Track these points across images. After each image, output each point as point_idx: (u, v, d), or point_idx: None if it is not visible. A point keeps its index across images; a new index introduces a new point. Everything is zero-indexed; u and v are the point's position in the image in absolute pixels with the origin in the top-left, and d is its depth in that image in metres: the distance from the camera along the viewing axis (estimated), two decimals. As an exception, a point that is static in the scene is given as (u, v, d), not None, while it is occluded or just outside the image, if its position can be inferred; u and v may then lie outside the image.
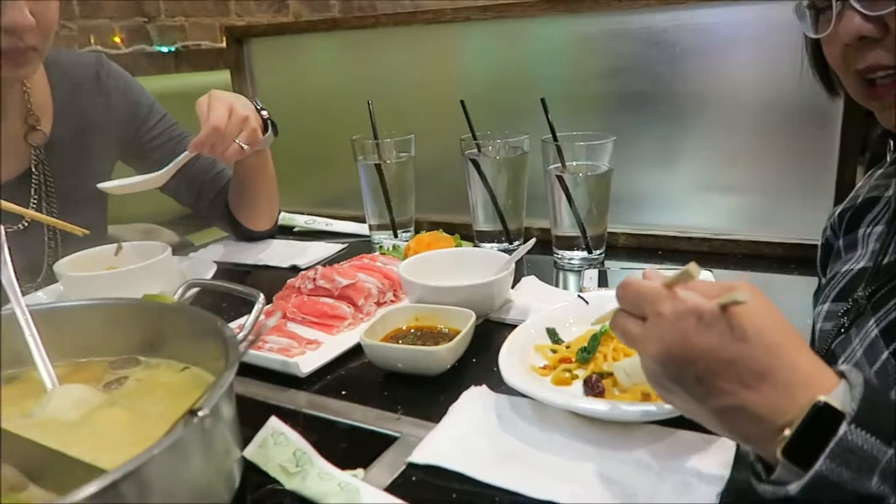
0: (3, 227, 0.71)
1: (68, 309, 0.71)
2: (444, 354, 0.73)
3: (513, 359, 0.71)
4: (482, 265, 0.93)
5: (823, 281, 0.80)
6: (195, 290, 0.76)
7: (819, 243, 0.84)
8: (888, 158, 0.80)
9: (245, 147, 1.04)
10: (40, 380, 0.65)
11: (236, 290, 0.71)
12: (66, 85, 1.14)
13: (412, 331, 0.80)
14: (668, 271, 0.52)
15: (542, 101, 1.08)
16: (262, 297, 0.69)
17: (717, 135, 1.12)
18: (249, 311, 0.66)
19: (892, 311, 0.62)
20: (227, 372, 0.53)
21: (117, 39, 1.91)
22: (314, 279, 0.92)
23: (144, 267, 0.92)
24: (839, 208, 0.81)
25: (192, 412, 0.48)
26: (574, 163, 1.07)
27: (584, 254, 1.09)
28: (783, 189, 1.09)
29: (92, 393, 0.62)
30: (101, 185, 1.03)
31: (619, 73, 1.15)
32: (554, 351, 0.75)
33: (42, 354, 0.66)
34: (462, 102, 1.14)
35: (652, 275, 0.51)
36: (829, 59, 0.66)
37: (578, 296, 0.83)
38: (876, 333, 0.63)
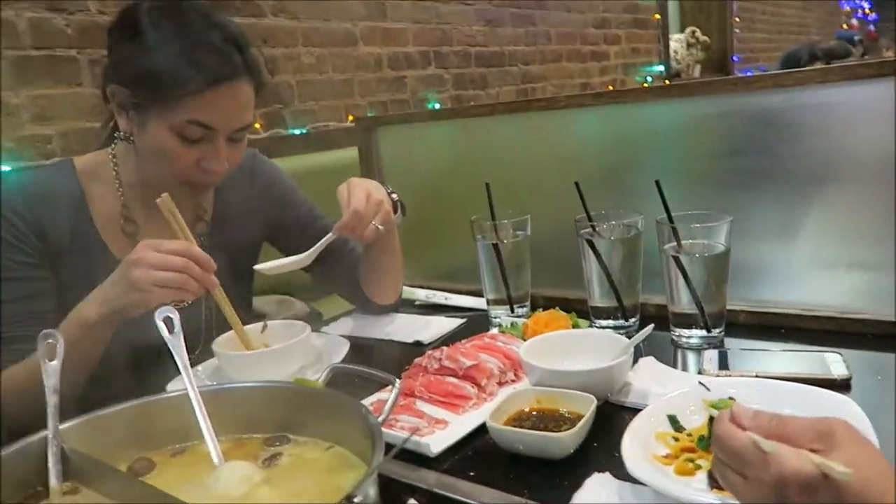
0: (176, 313, 0.82)
1: (231, 390, 0.80)
2: (567, 440, 0.76)
3: (635, 447, 0.73)
4: (601, 347, 0.96)
5: None
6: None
7: None
8: None
9: (380, 227, 1.14)
10: (207, 454, 0.74)
11: (375, 375, 0.78)
12: (226, 178, 1.29)
13: (534, 413, 0.84)
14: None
15: (657, 182, 1.11)
16: (398, 382, 0.76)
17: (839, 211, 1.10)
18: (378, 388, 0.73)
19: None
20: (375, 460, 0.59)
21: (257, 126, 2.12)
22: (440, 359, 0.98)
23: (289, 346, 1.02)
24: None
25: (348, 498, 0.54)
26: (690, 241, 1.09)
27: (703, 332, 1.09)
28: (916, 266, 1.06)
29: (253, 470, 0.70)
30: (257, 267, 1.16)
31: (735, 152, 1.17)
32: (676, 439, 0.77)
33: (210, 431, 0.75)
34: (576, 184, 1.19)
35: (741, 415, 0.51)
36: None
37: (699, 382, 0.84)
38: None
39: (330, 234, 1.15)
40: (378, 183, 1.19)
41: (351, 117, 2.40)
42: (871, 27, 8.85)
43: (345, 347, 1.13)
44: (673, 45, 4.64)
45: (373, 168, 1.57)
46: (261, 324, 1.13)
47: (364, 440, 0.67)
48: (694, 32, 4.80)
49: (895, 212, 1.05)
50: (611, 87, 3.92)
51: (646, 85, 4.21)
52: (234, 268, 1.24)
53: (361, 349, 1.22)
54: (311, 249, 1.16)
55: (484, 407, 0.91)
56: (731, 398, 0.77)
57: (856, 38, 5.61)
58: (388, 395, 0.75)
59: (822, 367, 0.93)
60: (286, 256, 1.22)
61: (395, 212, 1.23)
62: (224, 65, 1.04)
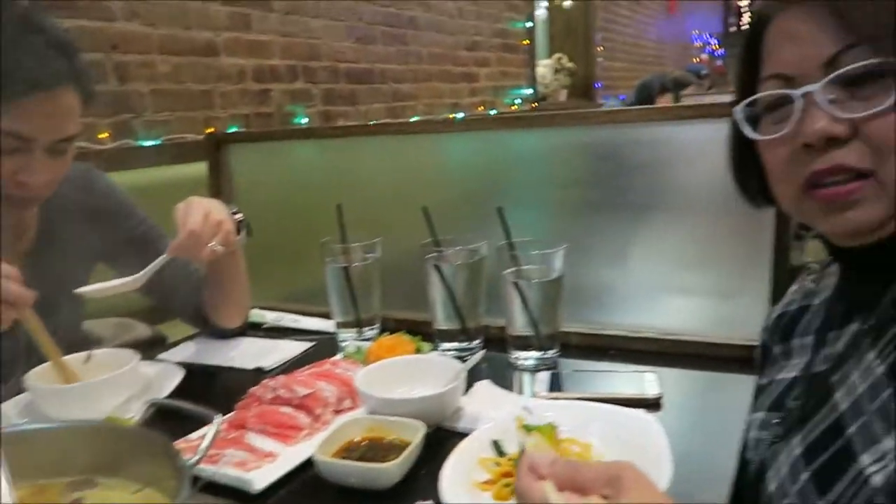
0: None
1: (34, 432, 0.74)
2: (392, 470, 0.77)
3: (456, 474, 0.75)
4: (437, 372, 0.98)
5: (763, 383, 0.82)
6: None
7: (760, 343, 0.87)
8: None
9: (220, 249, 1.10)
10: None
11: (193, 411, 0.75)
12: (55, 193, 1.20)
13: (364, 443, 0.84)
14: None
15: (499, 210, 1.15)
16: (218, 419, 0.73)
17: (667, 240, 1.19)
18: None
19: (816, 428, 0.64)
20: (179, 501, 0.57)
21: (104, 135, 1.99)
22: (275, 389, 0.96)
23: (111, 379, 0.96)
24: (776, 311, 0.83)
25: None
26: (528, 266, 1.14)
27: (538, 354, 1.14)
28: (728, 291, 1.16)
29: (48, 519, 0.65)
30: (78, 290, 1.09)
31: (576, 183, 1.24)
32: (498, 464, 0.79)
33: (7, 478, 0.69)
34: (425, 209, 1.21)
35: (538, 465, 0.54)
36: (771, 162, 0.65)
37: (523, 406, 0.87)
38: (799, 452, 0.65)
39: (164, 256, 1.10)
40: (219, 202, 1.15)
41: (211, 129, 2.32)
42: (720, 62, 9.70)
43: (178, 376, 1.08)
44: (541, 70, 4.86)
45: (223, 185, 1.52)
46: (85, 353, 1.06)
47: (173, 481, 0.64)
48: (560, 59, 5.05)
49: (711, 241, 1.16)
50: (481, 108, 4.04)
51: (514, 107, 4.38)
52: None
53: (198, 377, 1.17)
54: (143, 272, 1.10)
55: (317, 437, 0.90)
56: (549, 424, 0.81)
57: (703, 71, 6.12)
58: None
59: (639, 387, 0.99)
60: (121, 278, 1.15)
61: (239, 232, 1.19)
62: (43, 72, 0.97)
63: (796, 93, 0.59)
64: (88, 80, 1.05)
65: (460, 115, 3.78)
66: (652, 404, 0.96)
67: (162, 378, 1.08)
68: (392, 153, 1.39)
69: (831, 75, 0.57)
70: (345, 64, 2.94)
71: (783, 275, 1.10)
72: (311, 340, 1.32)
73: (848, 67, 0.57)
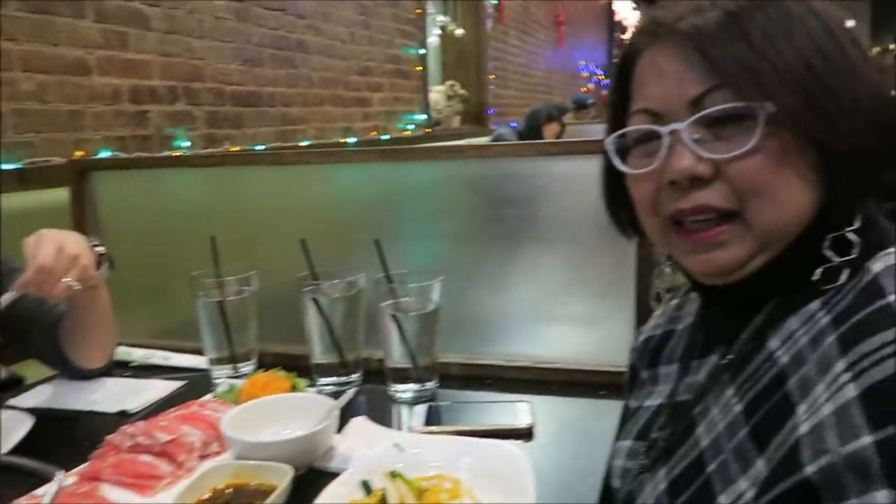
0: None
1: None
2: (253, 519, 0.74)
3: (321, 519, 0.73)
4: (310, 411, 0.95)
5: (631, 405, 0.82)
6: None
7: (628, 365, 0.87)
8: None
9: (75, 285, 1.03)
10: None
11: (32, 468, 0.70)
12: None
13: (228, 491, 0.81)
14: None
15: (376, 242, 1.15)
16: (59, 475, 0.68)
17: (540, 270, 1.23)
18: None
19: (680, 463, 0.63)
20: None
21: (-45, 158, 1.83)
22: (134, 436, 0.90)
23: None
24: (643, 334, 0.83)
25: None
26: (406, 299, 1.14)
27: (416, 386, 1.14)
28: (594, 319, 1.21)
29: None
30: None
31: (453, 214, 1.26)
32: (367, 505, 0.78)
33: None
34: (302, 242, 1.19)
35: None
36: (638, 195, 0.65)
37: (394, 444, 0.87)
38: (664, 487, 0.64)
39: (11, 293, 1.02)
40: (77, 235, 1.09)
41: (81, 152, 2.19)
42: (605, 92, 10.21)
43: (26, 425, 0.99)
44: (434, 96, 4.93)
45: (85, 215, 1.43)
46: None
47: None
48: (453, 86, 5.15)
49: (579, 271, 1.21)
50: (374, 133, 4.04)
51: (407, 132, 4.41)
52: None
53: (53, 424, 1.08)
54: None
55: (180, 486, 0.85)
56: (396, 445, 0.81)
57: (589, 101, 6.43)
58: (71, 480, 0.67)
59: (512, 417, 1.01)
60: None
61: (100, 266, 1.12)
62: None
63: (663, 130, 0.59)
64: None
65: (352, 139, 3.77)
66: (525, 434, 0.98)
67: (9, 428, 0.99)
68: (269, 183, 1.36)
69: (696, 116, 0.58)
70: (231, 86, 2.86)
71: (647, 301, 1.16)
72: (182, 379, 1.26)
73: (711, 109, 0.57)
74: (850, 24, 0.62)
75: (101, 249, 1.14)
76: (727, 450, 0.58)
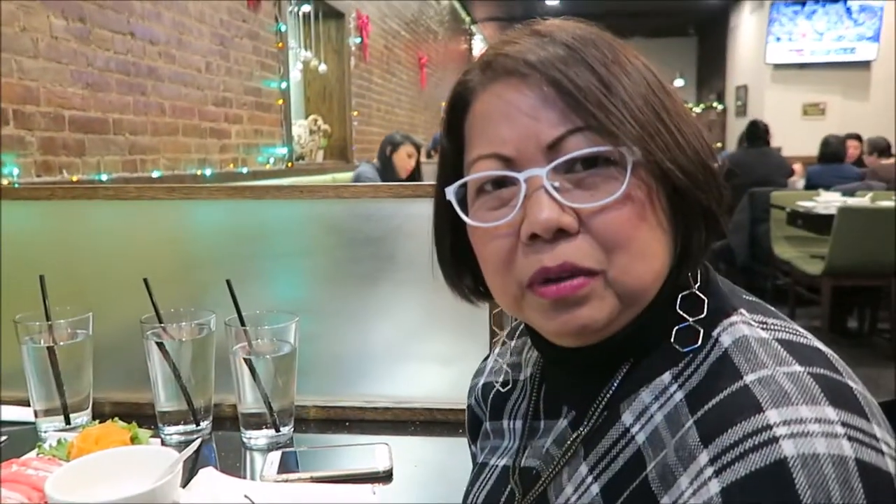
0: None
1: None
2: (80, 591, 0.67)
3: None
4: (152, 465, 0.88)
5: (475, 454, 0.77)
6: None
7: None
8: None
9: None
10: None
11: None
12: None
13: (51, 561, 0.73)
14: None
15: (228, 282, 1.10)
16: None
17: (394, 310, 1.23)
18: None
19: None
20: None
21: None
22: (-64, 504, 0.79)
23: None
24: (482, 378, 0.78)
25: None
26: (259, 340, 1.10)
27: (272, 432, 1.09)
28: (451, 357, 1.23)
29: None
30: None
31: (304, 253, 1.23)
32: (212, 565, 0.73)
33: None
34: (145, 280, 1.12)
35: None
36: (488, 254, 0.56)
37: (245, 495, 0.83)
38: None
39: None
40: None
41: None
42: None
43: None
44: (297, 130, 4.86)
45: None
46: None
47: None
48: (316, 121, 5.11)
49: (436, 310, 1.22)
50: (232, 165, 3.91)
51: (268, 166, 4.31)
52: None
53: None
54: None
55: (-8, 558, 0.75)
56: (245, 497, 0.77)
57: None
58: None
59: (371, 461, 1.00)
60: None
61: None
62: None
63: (521, 175, 0.52)
64: None
65: (209, 171, 3.62)
66: (384, 478, 0.97)
67: None
68: (107, 218, 1.26)
69: (558, 160, 0.52)
70: (70, 111, 2.65)
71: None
72: (3, 434, 1.12)
73: (578, 153, 0.51)
74: (679, 83, 0.65)
75: None
76: None
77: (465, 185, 0.58)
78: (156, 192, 1.19)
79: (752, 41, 10.10)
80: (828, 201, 4.54)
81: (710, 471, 0.46)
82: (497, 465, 0.69)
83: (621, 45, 0.56)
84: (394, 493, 0.94)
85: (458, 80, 0.60)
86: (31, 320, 1.11)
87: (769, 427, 0.45)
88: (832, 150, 5.50)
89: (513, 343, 0.75)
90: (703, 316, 0.55)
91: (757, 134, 5.54)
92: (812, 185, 5.35)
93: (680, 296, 0.56)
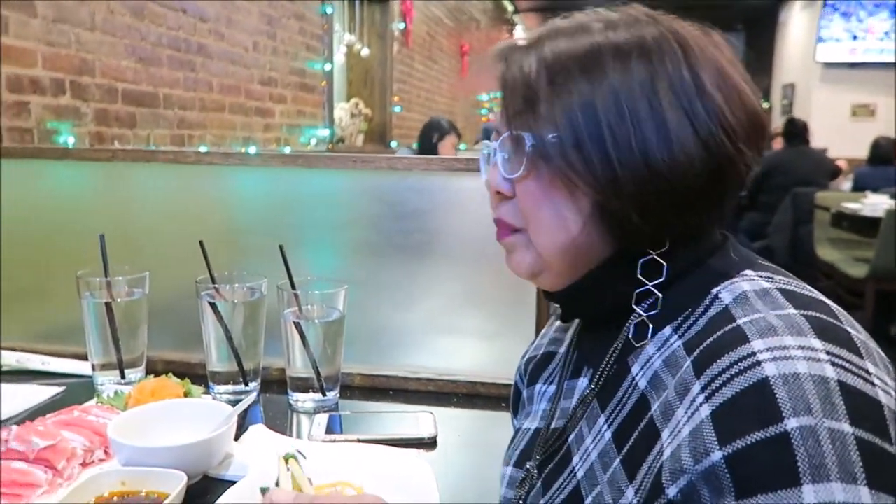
0: None
1: None
2: (143, 528, 0.70)
3: (218, 527, 0.70)
4: (204, 418, 0.91)
5: (515, 425, 0.82)
6: None
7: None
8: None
9: None
10: None
11: None
12: None
13: (114, 498, 0.76)
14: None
15: (280, 248, 1.12)
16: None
17: (441, 283, 1.25)
18: None
19: (559, 494, 0.63)
20: None
21: None
22: (6, 440, 0.83)
23: None
24: (527, 354, 0.84)
25: None
26: (309, 306, 1.12)
27: (318, 396, 1.11)
28: (496, 332, 1.24)
29: None
30: None
31: (356, 224, 1.25)
32: (265, 512, 0.75)
33: None
34: (201, 243, 1.14)
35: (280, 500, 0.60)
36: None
37: (297, 450, 0.85)
38: None
39: None
40: None
41: (-52, 141, 2.00)
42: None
43: None
44: (338, 112, 4.90)
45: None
46: None
47: None
48: (357, 104, 5.14)
49: (479, 284, 1.23)
50: (275, 144, 3.95)
51: (309, 147, 4.35)
52: None
53: None
54: None
55: (59, 494, 0.79)
56: (297, 452, 0.79)
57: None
58: None
59: (416, 428, 1.01)
60: None
61: None
62: None
63: (486, 148, 0.68)
64: None
65: (252, 149, 3.67)
66: (428, 444, 0.98)
67: None
68: (166, 182, 1.30)
69: (500, 138, 0.64)
70: (123, 84, 2.72)
71: (546, 317, 1.20)
72: (60, 385, 1.17)
73: (505, 133, 0.63)
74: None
75: None
76: (602, 481, 0.58)
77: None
78: (213, 157, 1.21)
79: (801, 38, 9.84)
80: (875, 203, 4.42)
81: (701, 398, 0.50)
82: (530, 428, 0.74)
83: (608, 61, 0.58)
84: (438, 460, 0.95)
85: None
86: (91, 276, 1.15)
87: (753, 354, 0.49)
88: (882, 153, 5.35)
89: (558, 322, 0.81)
90: (662, 280, 0.60)
91: (795, 132, 5.41)
92: (859, 186, 5.21)
93: (642, 261, 0.61)
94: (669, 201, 0.57)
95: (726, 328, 0.53)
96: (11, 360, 1.23)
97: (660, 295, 0.60)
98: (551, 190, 0.60)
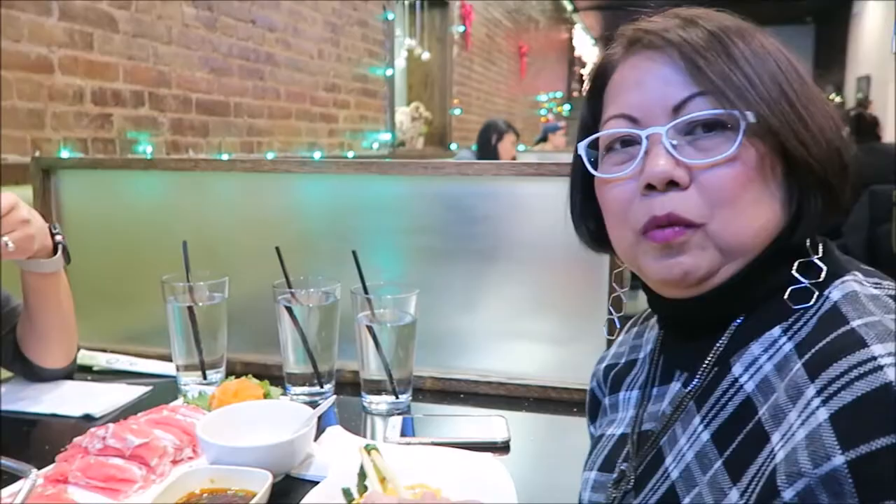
0: None
1: None
2: (233, 525, 0.72)
3: (304, 525, 0.72)
4: (287, 419, 0.94)
5: (593, 434, 0.81)
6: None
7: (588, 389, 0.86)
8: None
9: (10, 247, 1.00)
10: None
11: (5, 465, 0.67)
12: None
13: (205, 495, 0.79)
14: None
15: (354, 253, 1.15)
16: (33, 474, 0.65)
17: (510, 288, 1.25)
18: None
19: (651, 496, 0.62)
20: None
21: None
22: (104, 438, 0.87)
23: None
24: (605, 362, 0.82)
25: None
26: (382, 310, 1.14)
27: (391, 398, 1.13)
28: (567, 337, 1.23)
29: None
30: None
31: (427, 230, 1.27)
32: (348, 512, 0.77)
33: None
34: (277, 249, 1.18)
35: None
36: (610, 202, 0.63)
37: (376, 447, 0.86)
38: None
39: None
40: (39, 215, 1.06)
41: (39, 152, 2.12)
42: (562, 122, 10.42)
43: (-15, 427, 0.95)
44: (399, 117, 4.96)
45: (50, 214, 1.38)
46: None
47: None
48: (418, 108, 5.19)
49: (550, 289, 1.23)
50: (339, 150, 4.03)
51: (372, 152, 4.42)
52: None
53: (13, 426, 1.04)
54: None
55: (152, 490, 0.83)
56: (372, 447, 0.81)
57: (560, 125, 6.50)
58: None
59: (488, 432, 1.02)
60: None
61: (55, 253, 1.10)
62: None
63: (643, 132, 0.59)
64: None
65: (318, 154, 3.75)
66: (501, 448, 0.99)
67: (-36, 429, 0.94)
68: (243, 190, 1.35)
69: (678, 119, 0.58)
70: (197, 94, 2.82)
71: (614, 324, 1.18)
72: (147, 385, 1.22)
73: (695, 113, 0.58)
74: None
75: (59, 238, 1.12)
76: (702, 482, 0.57)
77: (597, 147, 0.66)
78: (289, 165, 1.25)
79: (877, 29, 9.39)
80: (960, 201, 4.18)
81: (816, 401, 0.49)
82: (614, 434, 0.73)
83: (757, 30, 0.61)
84: (511, 464, 0.95)
85: (602, 55, 0.67)
86: (174, 281, 1.20)
87: (874, 358, 0.48)
88: (966, 147, 5.06)
89: (634, 329, 0.80)
90: (821, 280, 0.58)
91: (863, 128, 5.16)
92: (941, 183, 4.92)
93: (799, 261, 0.59)
94: (841, 181, 0.59)
95: (840, 330, 0.52)
96: (102, 360, 1.30)
97: (815, 292, 0.57)
98: (758, 169, 0.57)
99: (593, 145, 0.65)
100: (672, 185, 0.57)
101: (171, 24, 2.66)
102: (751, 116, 0.56)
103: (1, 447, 0.94)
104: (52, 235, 1.10)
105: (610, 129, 0.63)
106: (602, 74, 0.66)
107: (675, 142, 0.58)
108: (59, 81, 2.22)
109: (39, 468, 0.86)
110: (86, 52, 2.31)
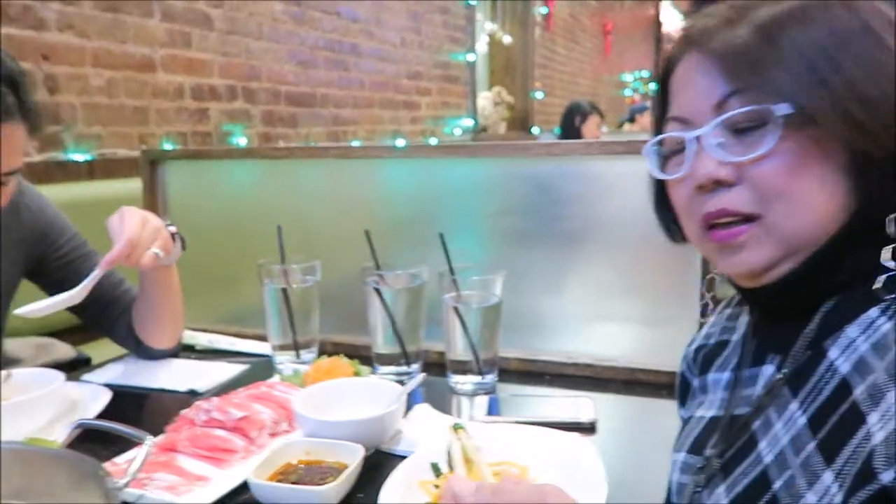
0: None
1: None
2: (328, 493, 0.76)
3: (395, 498, 0.74)
4: (376, 395, 0.97)
5: (682, 415, 0.81)
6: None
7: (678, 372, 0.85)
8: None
9: (160, 254, 1.08)
10: None
11: (124, 432, 0.73)
12: None
13: (301, 466, 0.83)
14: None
15: (441, 236, 1.16)
16: (149, 440, 0.71)
17: (598, 269, 1.23)
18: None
19: (741, 481, 0.62)
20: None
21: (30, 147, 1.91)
22: (209, 411, 0.93)
23: (32, 399, 0.91)
24: (695, 343, 0.82)
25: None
26: (468, 292, 1.15)
27: (477, 378, 1.15)
28: (657, 319, 1.20)
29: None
30: (19, 311, 1.03)
31: (512, 212, 1.27)
32: (437, 486, 0.79)
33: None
34: (367, 232, 1.22)
35: (463, 494, 0.59)
36: (675, 201, 0.66)
37: (462, 426, 0.88)
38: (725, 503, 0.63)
39: (99, 270, 1.06)
40: (154, 214, 1.14)
41: (144, 146, 2.26)
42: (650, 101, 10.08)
43: (105, 398, 1.03)
44: (481, 102, 4.95)
45: (157, 203, 1.48)
46: (3, 372, 1.00)
47: (101, 505, 0.62)
48: (500, 93, 5.16)
49: (640, 271, 1.20)
50: (421, 136, 4.08)
51: (452, 137, 4.44)
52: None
53: (127, 399, 1.12)
54: (80, 287, 1.06)
55: (252, 460, 0.88)
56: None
57: (647, 106, 6.34)
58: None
59: (574, 412, 1.02)
60: (49, 296, 1.10)
61: (174, 244, 1.17)
62: None
63: (688, 136, 0.61)
64: (37, 115, 1.03)
65: (401, 141, 3.81)
66: (587, 428, 0.98)
67: (87, 400, 1.03)
68: (334, 177, 1.39)
69: (717, 119, 0.59)
70: (285, 87, 2.93)
71: (706, 305, 1.15)
72: (245, 363, 1.29)
73: (729, 113, 0.58)
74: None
75: (173, 229, 1.19)
76: (794, 465, 0.56)
77: (664, 144, 0.67)
78: (379, 151, 1.28)
79: None
80: None
81: None
82: (704, 416, 0.72)
83: (837, 5, 0.58)
84: (598, 445, 0.95)
85: (665, 49, 0.70)
86: (270, 264, 1.26)
87: None
88: None
89: (728, 310, 0.78)
90: None
91: None
92: None
93: (892, 247, 0.56)
94: None
95: None
96: (204, 340, 1.38)
97: None
98: (804, 159, 0.56)
99: (661, 143, 0.67)
100: (719, 183, 0.59)
101: (261, 20, 2.76)
102: (784, 108, 0.55)
103: (117, 418, 1.02)
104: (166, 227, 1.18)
105: (665, 134, 0.66)
106: (665, 73, 0.67)
107: (720, 140, 0.59)
108: (162, 79, 2.35)
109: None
110: (184, 50, 2.44)
